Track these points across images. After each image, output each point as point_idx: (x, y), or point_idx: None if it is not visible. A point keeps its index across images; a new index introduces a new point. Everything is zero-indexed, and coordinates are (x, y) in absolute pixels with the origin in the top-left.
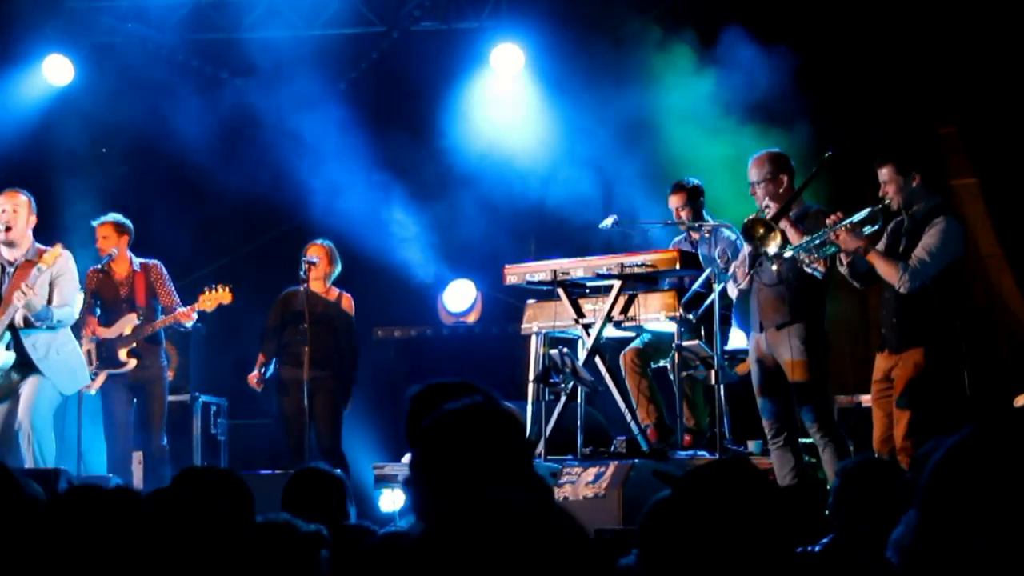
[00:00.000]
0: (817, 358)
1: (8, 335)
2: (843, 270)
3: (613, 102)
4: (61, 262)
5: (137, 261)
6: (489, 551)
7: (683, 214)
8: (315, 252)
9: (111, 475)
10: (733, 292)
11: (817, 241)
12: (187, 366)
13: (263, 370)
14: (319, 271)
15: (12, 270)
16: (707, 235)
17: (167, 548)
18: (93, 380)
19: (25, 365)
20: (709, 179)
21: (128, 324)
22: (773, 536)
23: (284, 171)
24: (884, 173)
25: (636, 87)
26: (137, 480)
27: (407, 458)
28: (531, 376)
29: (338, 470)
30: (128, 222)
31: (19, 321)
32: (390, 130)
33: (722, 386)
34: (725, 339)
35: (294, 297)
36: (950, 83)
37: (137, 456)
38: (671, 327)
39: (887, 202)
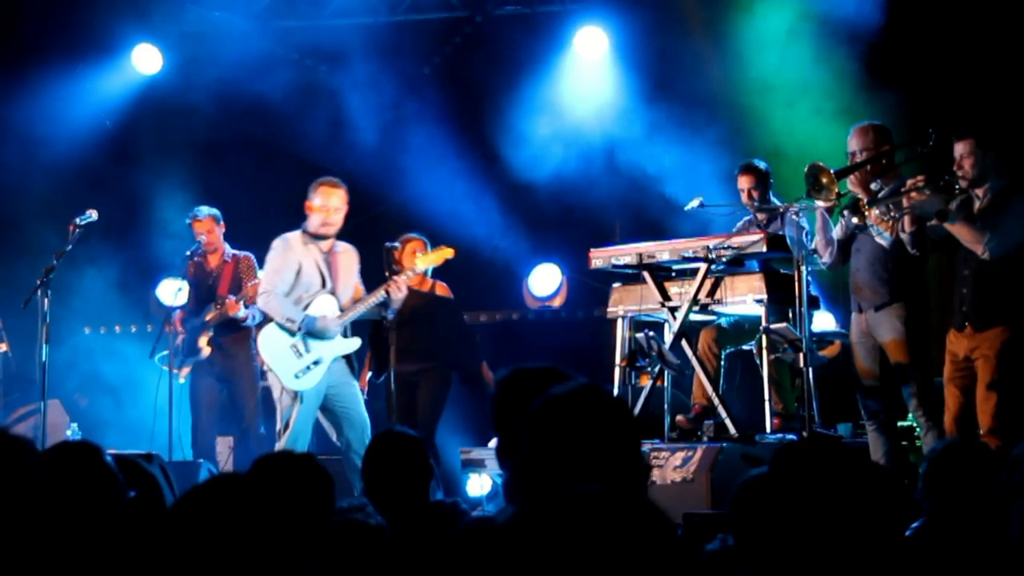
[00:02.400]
0: (918, 338)
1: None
2: (904, 236)
3: (698, 83)
4: (357, 256)
5: (230, 252)
6: (571, 543)
7: (753, 195)
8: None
9: (202, 460)
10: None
11: (892, 202)
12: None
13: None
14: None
15: (329, 256)
16: (794, 216)
17: (240, 535)
18: (180, 368)
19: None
20: (801, 159)
21: (208, 313)
22: (870, 516)
23: (369, 157)
24: (963, 147)
25: (722, 67)
26: (225, 465)
27: (494, 442)
28: (617, 360)
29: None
30: (218, 212)
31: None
32: (474, 115)
33: (811, 369)
34: (812, 321)
35: None
36: None
37: (226, 441)
38: (757, 310)
39: (959, 175)
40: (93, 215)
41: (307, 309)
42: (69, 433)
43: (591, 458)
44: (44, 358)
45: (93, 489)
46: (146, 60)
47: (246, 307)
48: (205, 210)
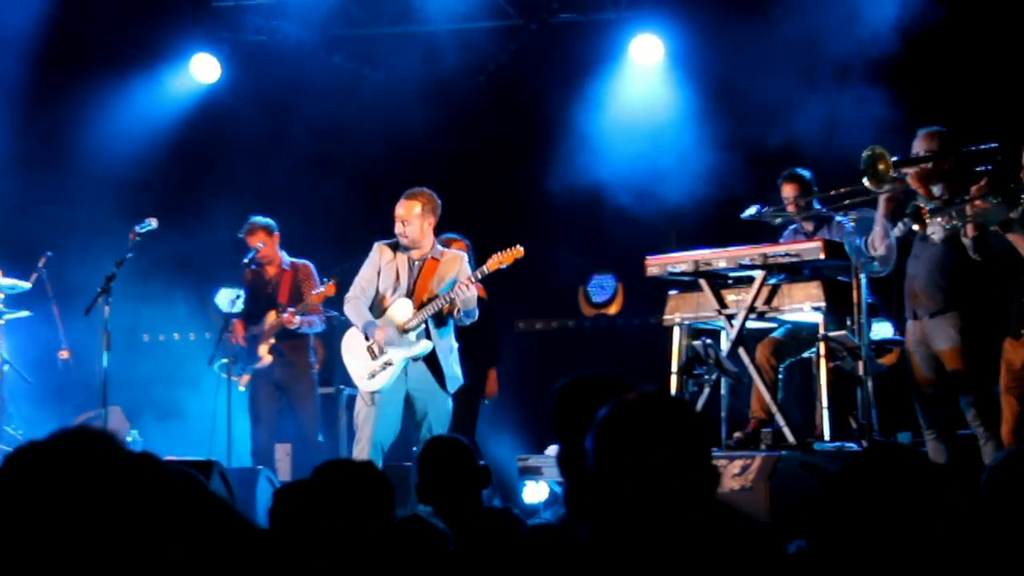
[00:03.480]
0: (974, 347)
1: (422, 326)
2: (966, 241)
3: (754, 90)
4: (464, 265)
5: (287, 261)
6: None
7: (798, 203)
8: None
9: (261, 467)
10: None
11: (955, 210)
12: (333, 359)
13: None
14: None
15: (419, 264)
16: (852, 222)
17: (300, 542)
18: (240, 376)
19: (428, 359)
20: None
21: (267, 322)
22: (942, 524)
23: (425, 165)
24: None
25: (775, 74)
26: (283, 472)
27: (551, 450)
28: (674, 367)
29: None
30: (273, 222)
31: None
32: (529, 123)
33: (870, 377)
34: (871, 328)
35: None
36: None
37: (284, 448)
38: (815, 317)
39: None
40: (153, 223)
41: (385, 312)
42: (129, 440)
43: (662, 466)
44: (105, 364)
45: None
46: (204, 69)
47: (303, 316)
48: (260, 221)
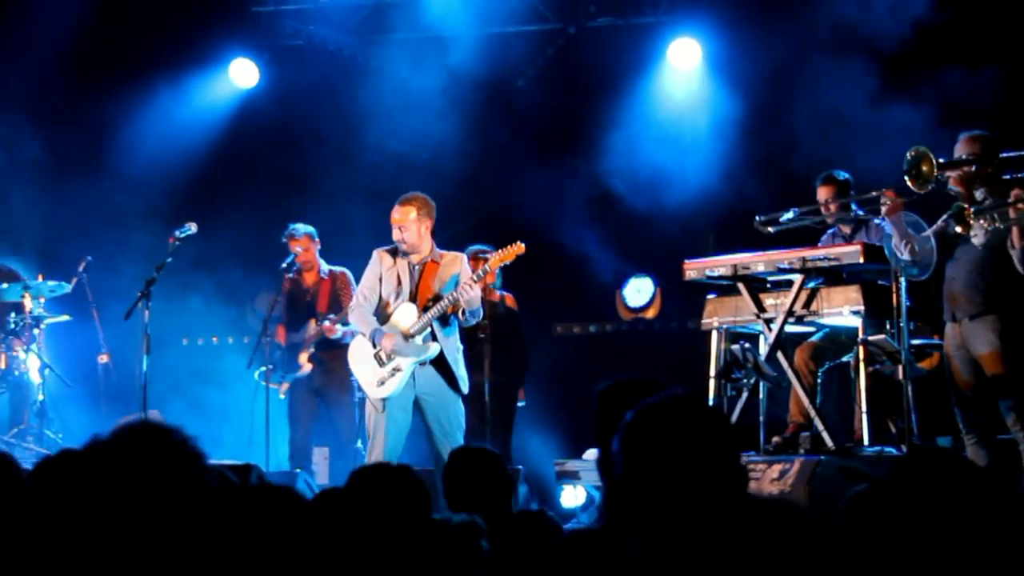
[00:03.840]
0: (1014, 351)
1: (428, 329)
2: (1014, 253)
3: (792, 94)
4: (465, 266)
5: (326, 268)
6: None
7: (832, 207)
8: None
9: (299, 470)
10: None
11: (997, 212)
12: None
13: None
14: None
15: (420, 268)
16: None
17: (336, 546)
18: (280, 384)
19: (436, 363)
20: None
21: (307, 331)
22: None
23: (463, 170)
24: None
25: (813, 77)
26: (321, 476)
27: (589, 454)
28: (712, 372)
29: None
30: (314, 230)
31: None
32: (567, 127)
33: (910, 381)
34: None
35: None
36: None
37: (322, 452)
38: (854, 321)
39: None
40: (192, 228)
41: (390, 319)
42: None
43: (688, 469)
44: (144, 368)
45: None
46: (243, 74)
47: (343, 325)
48: (301, 228)
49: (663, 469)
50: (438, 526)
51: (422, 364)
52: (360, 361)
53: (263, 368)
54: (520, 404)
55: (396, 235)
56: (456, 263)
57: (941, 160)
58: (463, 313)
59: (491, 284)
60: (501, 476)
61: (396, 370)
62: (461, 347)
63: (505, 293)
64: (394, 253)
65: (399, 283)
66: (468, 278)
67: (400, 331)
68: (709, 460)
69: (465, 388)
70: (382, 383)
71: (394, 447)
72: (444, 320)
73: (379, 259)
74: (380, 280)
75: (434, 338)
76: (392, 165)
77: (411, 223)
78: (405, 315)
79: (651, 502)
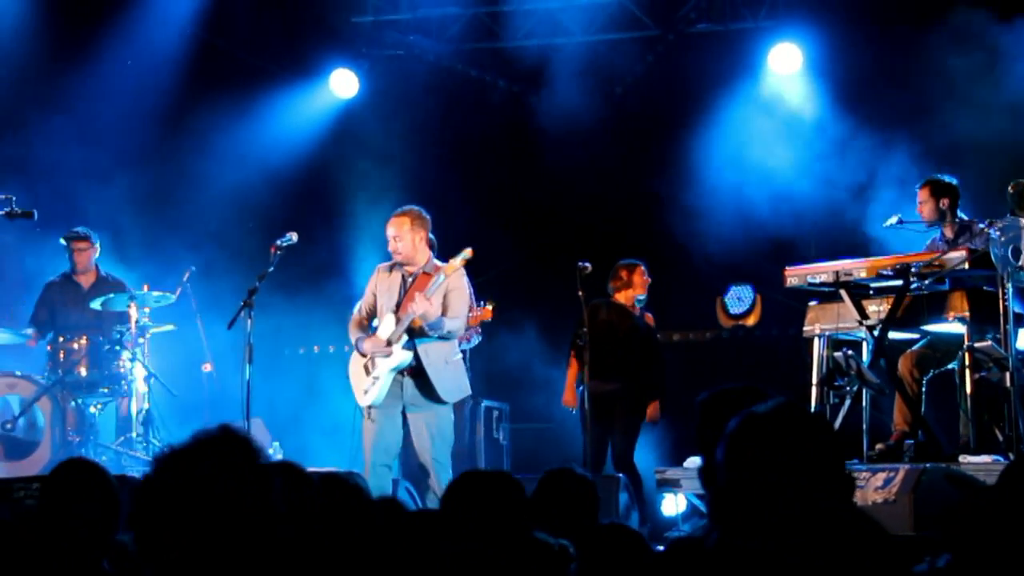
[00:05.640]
0: None
1: (406, 338)
2: None
3: (896, 98)
4: (455, 276)
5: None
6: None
7: (933, 213)
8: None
9: (399, 478)
10: None
11: None
12: (469, 371)
13: (579, 387)
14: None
15: (411, 280)
16: (997, 232)
17: (434, 548)
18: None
19: (417, 371)
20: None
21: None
22: None
23: (561, 177)
24: None
25: (923, 80)
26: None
27: (690, 462)
28: (814, 379)
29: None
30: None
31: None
32: (667, 133)
33: (1017, 388)
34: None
35: (599, 309)
36: None
37: None
38: (959, 328)
39: None
40: (293, 237)
41: (378, 330)
42: (271, 451)
43: (792, 477)
44: (247, 377)
45: (296, 503)
46: (343, 85)
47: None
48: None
49: (767, 478)
50: (538, 545)
51: (401, 373)
52: (354, 372)
53: None
54: (650, 421)
55: (392, 247)
56: (452, 278)
57: None
58: (425, 326)
59: (636, 301)
60: (591, 504)
61: (376, 378)
62: (455, 357)
63: (646, 312)
64: (393, 267)
65: (389, 293)
66: (420, 293)
67: (382, 341)
68: (814, 469)
69: (448, 397)
70: (366, 391)
71: (383, 456)
72: (421, 332)
73: (376, 274)
74: (376, 294)
75: (414, 349)
76: (491, 173)
77: (405, 234)
78: (386, 325)
79: (755, 512)
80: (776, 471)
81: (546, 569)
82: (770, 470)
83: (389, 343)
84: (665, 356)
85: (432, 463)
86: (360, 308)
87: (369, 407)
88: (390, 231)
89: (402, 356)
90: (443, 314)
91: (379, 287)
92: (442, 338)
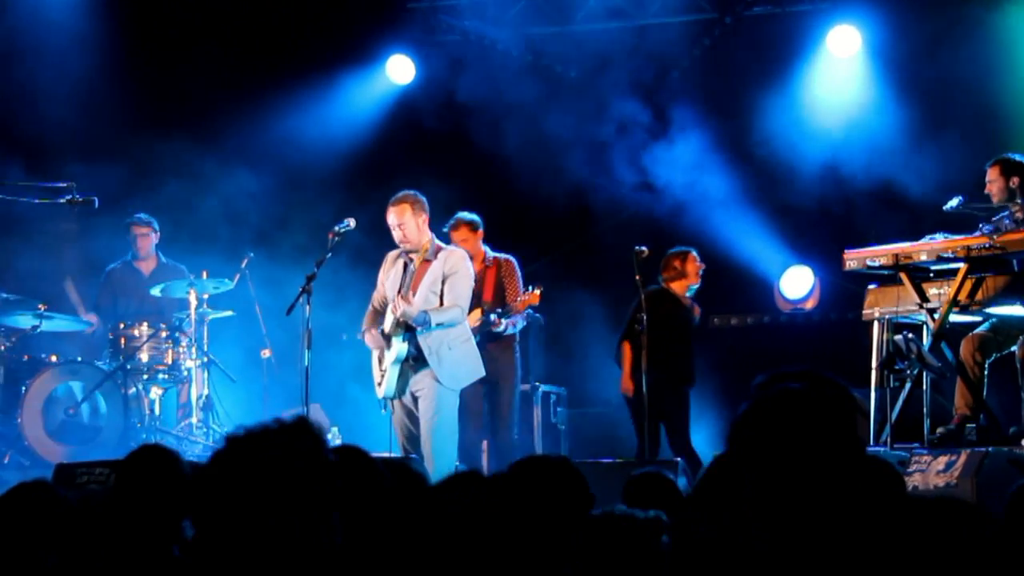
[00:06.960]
0: None
1: (403, 330)
2: None
3: (956, 80)
4: (454, 260)
5: (491, 256)
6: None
7: (1002, 192)
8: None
9: (458, 464)
10: None
11: None
12: (527, 356)
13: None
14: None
15: (414, 267)
16: None
17: (501, 534)
18: None
19: (419, 360)
20: None
21: (473, 319)
22: None
23: (621, 162)
24: None
25: (983, 65)
26: (485, 468)
27: None
28: (874, 363)
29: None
30: (477, 218)
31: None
32: (724, 117)
33: None
34: None
35: (662, 300)
36: None
37: (483, 445)
38: (1022, 311)
39: None
40: (351, 223)
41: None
42: (330, 436)
43: (788, 460)
44: (306, 363)
45: (363, 487)
46: (400, 70)
47: (507, 318)
48: (465, 216)
49: (767, 462)
50: (622, 520)
51: (406, 363)
52: (374, 366)
53: None
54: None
55: (397, 236)
56: (444, 261)
57: None
58: (411, 323)
59: (688, 290)
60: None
61: (384, 371)
62: (458, 341)
63: (695, 304)
64: (399, 255)
65: (394, 282)
66: (401, 298)
67: (384, 332)
68: (818, 453)
69: (450, 383)
70: (379, 384)
71: (406, 443)
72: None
73: (385, 262)
74: (384, 283)
75: (414, 338)
76: (548, 157)
77: (408, 220)
78: (388, 316)
79: (755, 493)
80: (778, 454)
81: (636, 539)
82: (769, 453)
83: (388, 337)
84: (717, 342)
85: (431, 453)
86: (373, 299)
87: (386, 398)
88: (392, 219)
89: (400, 348)
90: (441, 301)
91: (386, 277)
92: (439, 325)
